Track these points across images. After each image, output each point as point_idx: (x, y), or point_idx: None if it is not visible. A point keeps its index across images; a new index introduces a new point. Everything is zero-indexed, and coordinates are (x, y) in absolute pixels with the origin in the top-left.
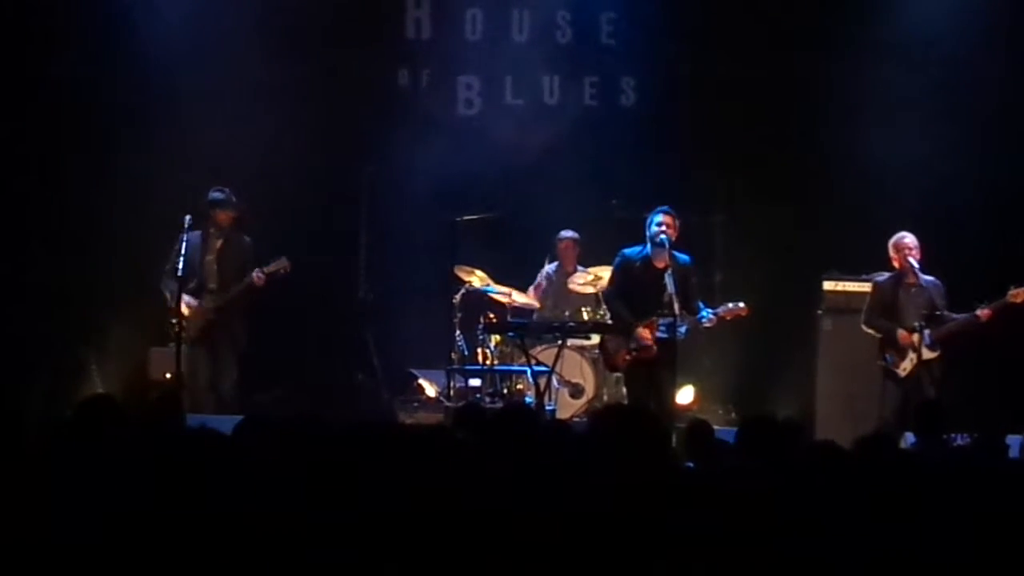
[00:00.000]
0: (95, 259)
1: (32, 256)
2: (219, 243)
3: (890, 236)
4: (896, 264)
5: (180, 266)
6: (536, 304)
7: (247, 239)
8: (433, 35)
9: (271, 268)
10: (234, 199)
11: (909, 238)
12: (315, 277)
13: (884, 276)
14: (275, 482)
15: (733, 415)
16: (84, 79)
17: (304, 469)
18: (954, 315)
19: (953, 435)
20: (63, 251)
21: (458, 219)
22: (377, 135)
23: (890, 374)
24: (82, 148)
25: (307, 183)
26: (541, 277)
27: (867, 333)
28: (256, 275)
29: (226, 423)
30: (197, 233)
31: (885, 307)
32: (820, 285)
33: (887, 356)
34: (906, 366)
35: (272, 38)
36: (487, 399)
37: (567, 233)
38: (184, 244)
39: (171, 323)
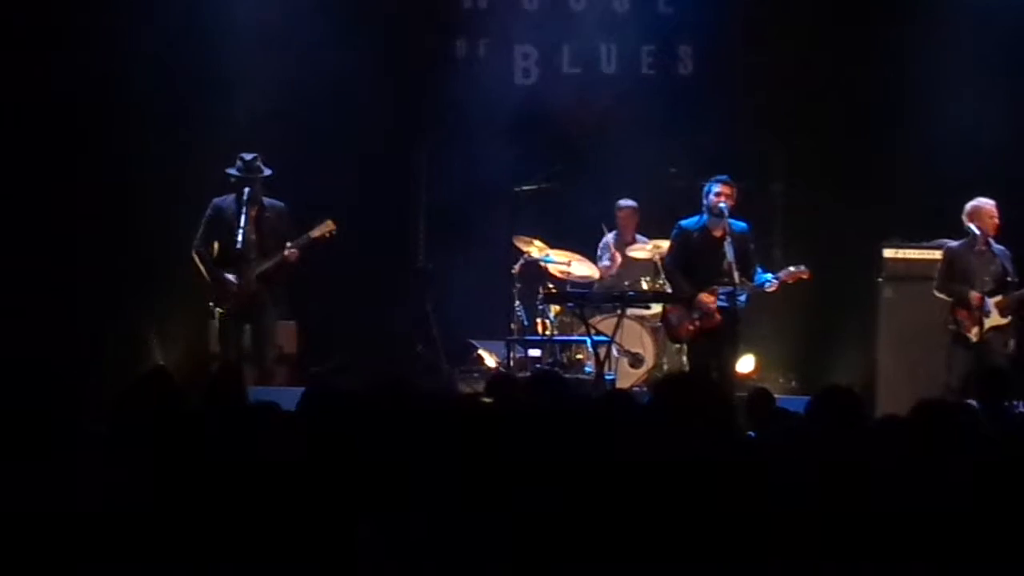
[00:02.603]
0: (155, 229)
1: (92, 228)
2: (254, 211)
3: (952, 202)
4: (976, 228)
5: (240, 238)
6: (596, 274)
7: (282, 204)
8: (490, 5)
9: (316, 233)
10: (261, 164)
11: (991, 204)
12: (374, 248)
13: (955, 242)
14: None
15: (793, 384)
16: (143, 55)
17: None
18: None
19: (1016, 403)
20: (123, 222)
21: (516, 189)
22: (435, 106)
23: (960, 339)
24: (142, 119)
25: (366, 154)
26: (602, 248)
27: (930, 301)
28: (288, 252)
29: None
30: (228, 199)
31: (957, 272)
32: (880, 252)
33: (958, 319)
34: (976, 331)
35: (330, 9)
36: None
37: (627, 202)
38: (213, 212)
39: (214, 297)
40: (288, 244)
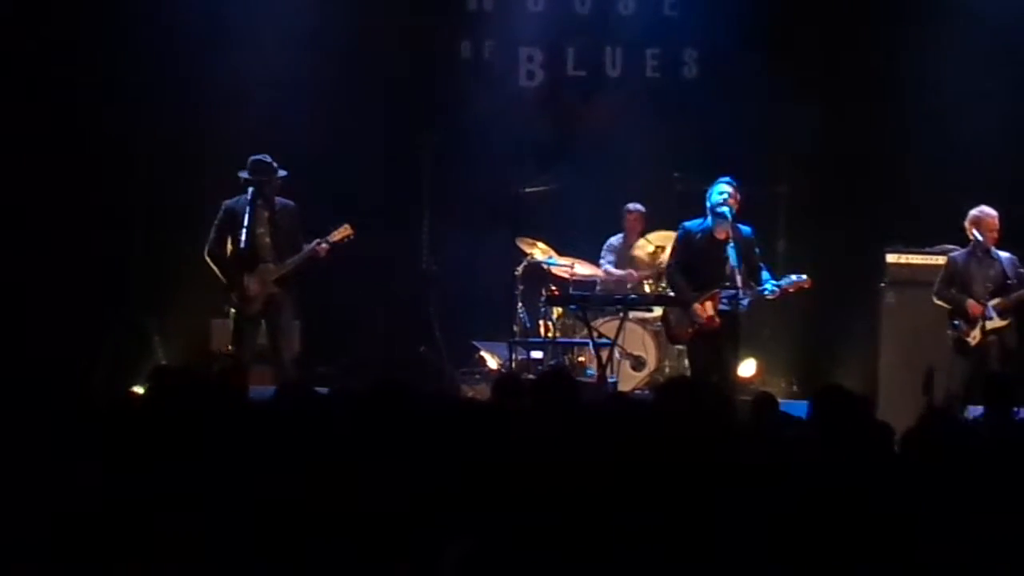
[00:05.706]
0: (157, 229)
1: (94, 226)
2: (267, 214)
3: (954, 208)
4: (978, 235)
5: (244, 239)
6: (600, 274)
7: (293, 204)
8: (495, 6)
9: (335, 237)
10: (276, 165)
11: (993, 216)
12: (378, 249)
13: (958, 251)
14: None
15: (795, 388)
16: (144, 51)
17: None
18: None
19: (1018, 408)
20: (125, 221)
21: (520, 190)
22: (440, 107)
23: (959, 344)
24: (142, 117)
25: (370, 154)
26: (606, 250)
27: (931, 307)
28: (320, 246)
29: None
30: (241, 200)
31: (955, 279)
32: (883, 258)
33: (956, 324)
34: (976, 335)
35: (336, 9)
36: None
37: (635, 206)
38: (225, 215)
39: (231, 299)
40: (319, 240)
